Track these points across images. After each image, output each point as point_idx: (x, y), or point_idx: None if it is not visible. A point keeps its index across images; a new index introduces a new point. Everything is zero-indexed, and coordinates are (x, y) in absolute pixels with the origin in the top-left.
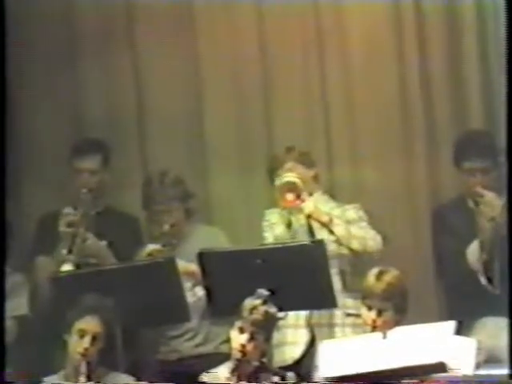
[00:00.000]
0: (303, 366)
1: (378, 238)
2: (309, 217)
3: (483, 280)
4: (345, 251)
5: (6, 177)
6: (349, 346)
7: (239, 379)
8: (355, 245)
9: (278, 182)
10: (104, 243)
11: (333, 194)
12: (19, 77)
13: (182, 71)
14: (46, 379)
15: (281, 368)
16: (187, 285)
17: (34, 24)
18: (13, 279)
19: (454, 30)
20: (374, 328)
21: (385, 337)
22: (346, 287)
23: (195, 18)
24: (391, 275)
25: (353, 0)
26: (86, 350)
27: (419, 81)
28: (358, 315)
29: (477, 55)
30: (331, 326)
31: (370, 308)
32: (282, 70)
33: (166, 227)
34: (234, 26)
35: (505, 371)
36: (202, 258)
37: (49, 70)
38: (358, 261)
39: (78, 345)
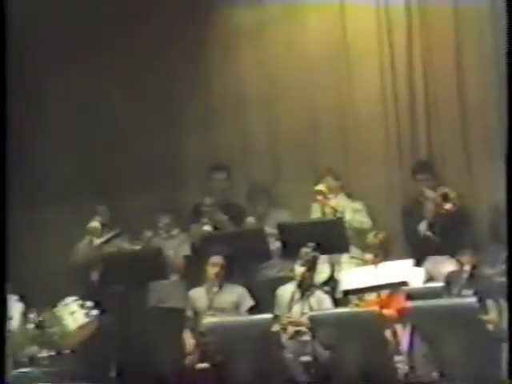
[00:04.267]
0: (330, 284)
1: (370, 222)
2: (333, 208)
3: (430, 234)
4: (351, 227)
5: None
6: (356, 273)
7: (301, 289)
8: (356, 225)
9: (314, 188)
10: (226, 217)
11: (349, 195)
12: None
13: None
14: (196, 289)
15: (320, 284)
16: (271, 240)
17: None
18: (180, 237)
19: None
20: (372, 264)
21: (376, 268)
22: (353, 243)
23: None
24: (382, 235)
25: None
26: (217, 273)
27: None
28: (359, 258)
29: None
30: (342, 263)
31: (369, 253)
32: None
33: (260, 209)
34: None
35: (439, 284)
36: (279, 226)
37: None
38: (359, 231)
39: (212, 271)
